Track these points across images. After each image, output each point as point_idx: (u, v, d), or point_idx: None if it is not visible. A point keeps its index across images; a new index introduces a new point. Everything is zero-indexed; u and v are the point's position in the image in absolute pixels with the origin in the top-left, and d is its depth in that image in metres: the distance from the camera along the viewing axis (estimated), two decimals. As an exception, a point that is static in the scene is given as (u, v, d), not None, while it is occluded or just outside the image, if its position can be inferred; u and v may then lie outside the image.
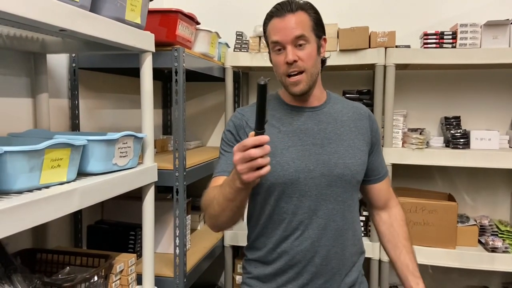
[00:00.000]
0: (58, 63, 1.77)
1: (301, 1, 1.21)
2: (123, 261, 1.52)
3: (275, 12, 1.19)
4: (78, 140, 1.16)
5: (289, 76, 1.18)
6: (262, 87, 0.89)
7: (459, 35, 2.05)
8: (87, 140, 1.21)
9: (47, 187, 1.07)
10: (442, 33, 2.08)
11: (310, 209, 1.19)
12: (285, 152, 1.19)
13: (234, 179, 1.00)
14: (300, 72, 1.18)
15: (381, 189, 1.37)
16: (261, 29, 2.24)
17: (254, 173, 0.93)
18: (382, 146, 2.13)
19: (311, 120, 1.25)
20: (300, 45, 1.17)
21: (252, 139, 0.91)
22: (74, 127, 1.82)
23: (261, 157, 0.91)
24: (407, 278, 1.28)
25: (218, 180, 1.20)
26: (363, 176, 1.29)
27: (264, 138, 0.91)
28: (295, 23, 1.16)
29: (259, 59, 2.27)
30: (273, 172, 1.16)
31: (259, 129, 0.92)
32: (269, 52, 1.25)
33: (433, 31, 2.10)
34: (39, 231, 1.60)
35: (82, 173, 1.24)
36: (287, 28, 1.16)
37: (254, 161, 0.91)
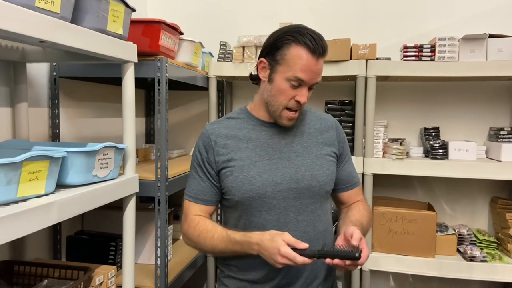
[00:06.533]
0: (38, 72, 1.75)
1: (325, 42, 1.17)
2: (102, 273, 1.50)
3: (311, 47, 1.13)
4: (57, 152, 1.14)
5: (289, 109, 1.20)
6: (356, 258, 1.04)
7: (437, 48, 2.10)
8: (67, 151, 1.20)
9: (24, 200, 1.05)
10: (421, 46, 2.13)
11: (279, 222, 1.21)
12: (252, 167, 1.21)
13: (251, 248, 1.12)
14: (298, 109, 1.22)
15: (350, 195, 1.38)
16: (245, 39, 2.29)
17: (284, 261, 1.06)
18: (363, 156, 2.17)
19: (278, 134, 1.26)
20: (311, 88, 1.20)
21: (302, 259, 1.04)
22: (54, 136, 1.80)
23: None
24: (342, 227, 1.25)
25: (193, 207, 1.27)
26: (332, 186, 1.31)
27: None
28: (321, 69, 1.17)
29: (243, 69, 2.28)
30: (240, 188, 1.20)
31: (311, 257, 1.06)
32: (270, 69, 1.20)
33: (412, 44, 2.14)
34: (17, 242, 1.57)
35: (61, 185, 1.22)
36: (316, 73, 1.16)
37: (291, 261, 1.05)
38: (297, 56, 1.14)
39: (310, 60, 1.14)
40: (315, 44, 1.13)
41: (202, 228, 1.22)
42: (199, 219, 1.25)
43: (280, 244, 1.05)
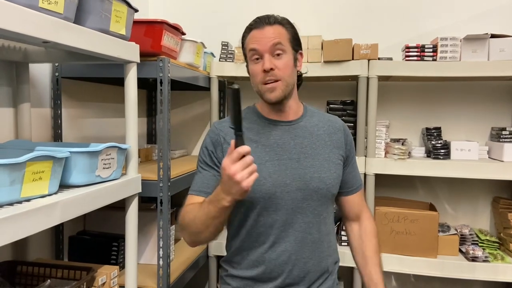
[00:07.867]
0: (41, 72, 1.75)
1: (279, 17, 1.26)
2: (105, 274, 1.50)
3: (254, 25, 1.23)
4: (61, 152, 1.14)
5: (265, 83, 1.21)
6: (235, 91, 0.97)
7: (439, 48, 2.10)
8: (70, 152, 1.20)
9: (28, 200, 1.05)
10: (423, 46, 2.13)
11: (286, 223, 1.21)
12: (262, 167, 1.20)
13: (219, 199, 1.04)
14: (276, 81, 1.20)
15: (354, 201, 1.39)
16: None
17: (252, 177, 0.98)
18: (365, 156, 2.16)
19: (287, 135, 1.26)
20: (278, 54, 1.20)
21: (246, 147, 0.97)
22: (57, 137, 1.80)
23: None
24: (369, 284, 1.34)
25: (194, 199, 1.23)
26: (338, 189, 1.31)
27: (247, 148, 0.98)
28: (273, 33, 1.20)
29: (244, 69, 2.25)
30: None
31: (239, 131, 0.99)
32: (246, 64, 1.29)
33: (414, 44, 2.14)
34: (19, 242, 1.57)
35: (64, 185, 1.22)
36: (265, 38, 1.20)
37: (251, 165, 0.98)
38: (247, 38, 1.24)
39: (254, 32, 1.22)
40: (258, 20, 1.23)
41: (191, 208, 1.18)
42: (193, 205, 1.20)
43: (224, 168, 0.99)
